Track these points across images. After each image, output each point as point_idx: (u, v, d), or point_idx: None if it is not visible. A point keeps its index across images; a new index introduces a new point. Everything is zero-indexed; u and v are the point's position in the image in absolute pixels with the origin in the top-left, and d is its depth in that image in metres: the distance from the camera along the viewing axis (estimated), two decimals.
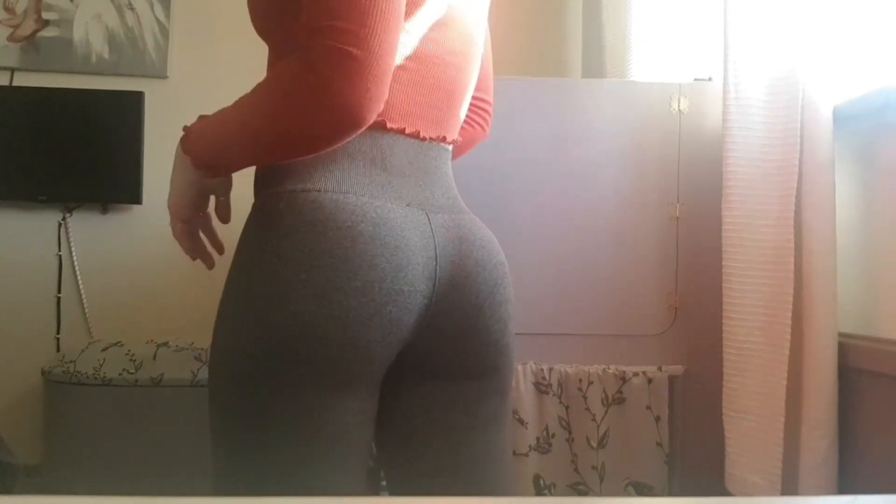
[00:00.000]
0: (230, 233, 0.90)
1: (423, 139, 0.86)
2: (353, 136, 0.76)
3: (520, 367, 1.51)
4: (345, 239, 0.77)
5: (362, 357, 0.78)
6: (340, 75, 0.70)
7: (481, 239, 0.90)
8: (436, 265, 0.83)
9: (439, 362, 0.87)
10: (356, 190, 0.80)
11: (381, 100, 0.73)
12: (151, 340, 2.15)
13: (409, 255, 0.80)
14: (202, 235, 0.92)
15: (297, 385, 0.76)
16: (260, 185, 0.85)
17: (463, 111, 0.94)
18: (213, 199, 0.91)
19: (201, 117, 0.86)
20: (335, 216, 0.77)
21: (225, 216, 0.92)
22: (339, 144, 0.78)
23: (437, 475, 0.89)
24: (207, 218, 0.92)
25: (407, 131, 0.84)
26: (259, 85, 0.78)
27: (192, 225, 0.89)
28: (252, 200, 0.85)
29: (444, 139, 0.89)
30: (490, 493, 0.91)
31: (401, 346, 0.82)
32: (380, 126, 0.82)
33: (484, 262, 0.88)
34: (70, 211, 2.50)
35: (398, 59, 0.82)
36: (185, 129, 0.86)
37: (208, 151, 0.83)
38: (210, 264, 0.92)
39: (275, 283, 0.76)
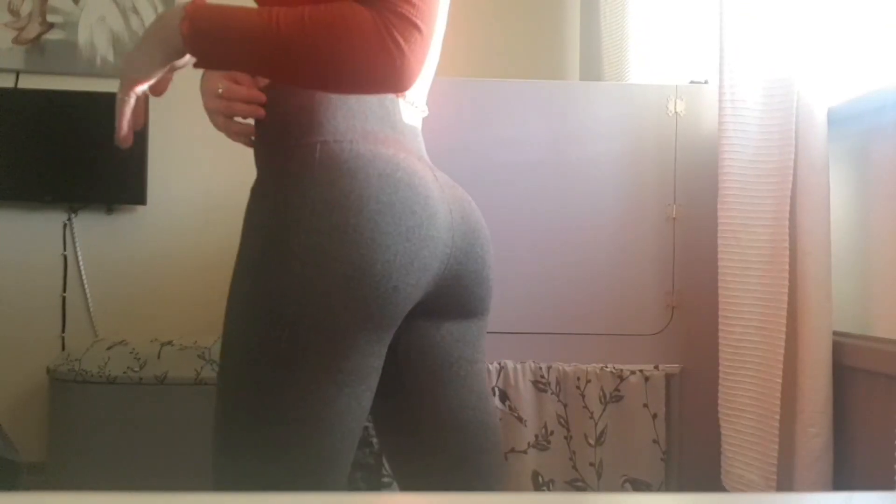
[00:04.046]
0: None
1: (417, 106, 0.93)
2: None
3: (519, 366, 1.53)
4: (387, 186, 0.81)
5: (402, 300, 0.82)
6: (408, 46, 0.74)
7: (469, 198, 0.97)
8: (451, 217, 0.89)
9: (454, 305, 0.93)
10: (382, 142, 0.84)
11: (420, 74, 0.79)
12: (156, 339, 2.17)
13: (436, 205, 0.85)
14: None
15: (342, 327, 0.79)
16: (274, 138, 0.85)
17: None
18: None
19: (208, 5, 0.80)
20: (374, 164, 0.81)
21: (163, 89, 0.88)
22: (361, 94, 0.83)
23: (450, 405, 0.94)
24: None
25: (408, 97, 0.90)
26: (310, 10, 0.75)
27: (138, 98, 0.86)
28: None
29: (423, 109, 0.97)
30: (493, 416, 0.99)
31: (424, 292, 0.86)
32: None
33: (479, 217, 0.96)
34: (75, 211, 2.52)
35: None
36: (191, 6, 0.79)
37: (215, 43, 0.78)
38: (129, 141, 0.87)
39: (324, 230, 0.78)
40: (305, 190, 0.80)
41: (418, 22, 0.74)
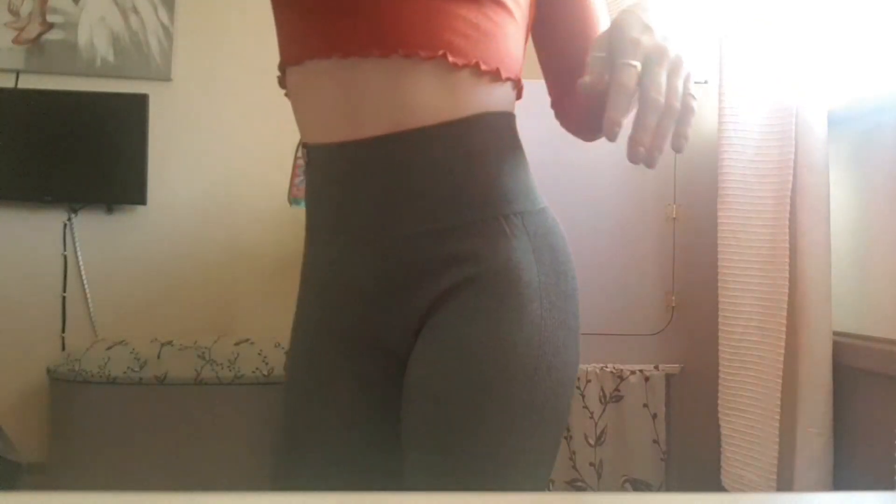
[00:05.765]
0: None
1: None
2: None
3: None
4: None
5: None
6: None
7: None
8: None
9: None
10: None
11: None
12: (155, 339, 2.17)
13: None
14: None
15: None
16: (518, 201, 0.88)
17: None
18: None
19: None
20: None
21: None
22: None
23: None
24: None
25: None
26: None
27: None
28: None
29: None
30: None
31: None
32: None
33: None
34: (75, 211, 2.52)
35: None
36: None
37: None
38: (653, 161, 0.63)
39: (569, 296, 0.84)
40: (562, 264, 0.85)
41: None
